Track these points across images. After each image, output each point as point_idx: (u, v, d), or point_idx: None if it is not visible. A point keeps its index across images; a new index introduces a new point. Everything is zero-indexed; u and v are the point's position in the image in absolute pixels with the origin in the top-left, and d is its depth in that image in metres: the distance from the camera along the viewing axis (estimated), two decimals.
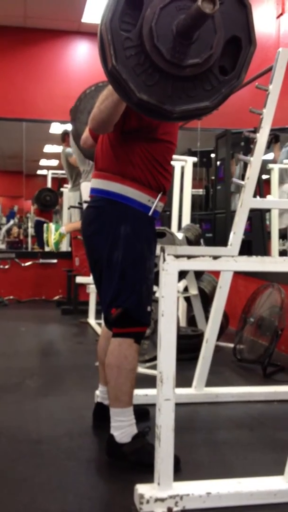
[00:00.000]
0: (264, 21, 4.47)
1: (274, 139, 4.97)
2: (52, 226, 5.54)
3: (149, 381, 2.62)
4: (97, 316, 4.86)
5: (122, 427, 2.08)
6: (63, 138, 6.27)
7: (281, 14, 4.16)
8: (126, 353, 2.06)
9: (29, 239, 8.23)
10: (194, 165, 4.55)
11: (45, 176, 8.36)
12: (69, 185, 6.32)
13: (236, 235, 2.66)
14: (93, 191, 2.18)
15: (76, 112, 2.83)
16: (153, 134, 2.05)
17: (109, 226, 2.08)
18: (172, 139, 2.15)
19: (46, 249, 7.36)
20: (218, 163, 5.62)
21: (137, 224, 2.08)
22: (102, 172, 2.14)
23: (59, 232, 5.44)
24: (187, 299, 4.22)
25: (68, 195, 6.43)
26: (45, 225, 5.96)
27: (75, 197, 5.93)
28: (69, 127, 5.30)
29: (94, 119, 1.96)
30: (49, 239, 5.69)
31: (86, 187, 5.16)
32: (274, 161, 4.98)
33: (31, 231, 8.28)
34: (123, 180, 2.07)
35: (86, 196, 5.09)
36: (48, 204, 7.70)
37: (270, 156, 5.31)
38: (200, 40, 1.50)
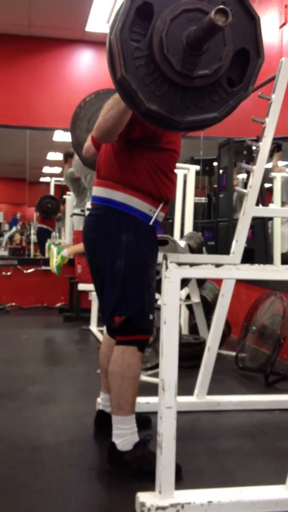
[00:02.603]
0: (267, 31, 4.49)
1: (276, 148, 4.99)
2: (54, 248, 5.51)
3: (151, 389, 2.62)
4: (99, 324, 4.86)
5: (124, 435, 2.08)
6: (66, 159, 6.22)
7: (284, 24, 4.18)
8: (130, 361, 2.06)
9: (32, 246, 8.23)
10: (197, 173, 4.56)
11: (48, 184, 8.38)
12: (74, 202, 6.25)
13: (239, 243, 2.66)
14: (95, 199, 2.19)
15: (76, 119, 2.85)
16: (157, 144, 2.07)
17: (110, 235, 2.09)
18: (176, 148, 2.16)
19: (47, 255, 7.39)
20: (221, 171, 5.63)
21: (138, 233, 2.09)
22: (104, 181, 2.14)
23: (61, 255, 5.43)
24: (189, 307, 4.22)
25: (70, 202, 6.42)
26: (47, 244, 5.93)
27: (79, 220, 5.77)
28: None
29: (99, 128, 1.97)
30: (51, 262, 5.67)
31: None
32: (272, 170, 4.99)
33: (33, 238, 8.29)
34: (125, 189, 2.08)
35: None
36: (50, 211, 7.71)
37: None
38: (210, 52, 1.51)
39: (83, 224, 2.32)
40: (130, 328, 2.07)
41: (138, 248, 2.08)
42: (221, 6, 1.37)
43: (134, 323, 2.07)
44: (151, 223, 2.11)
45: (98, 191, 2.17)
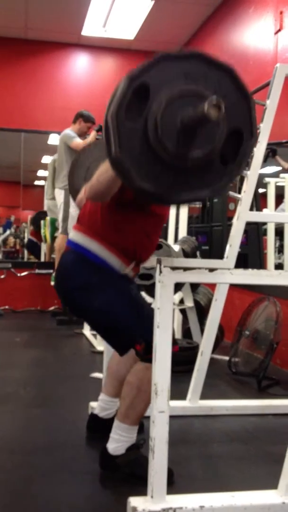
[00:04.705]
0: (262, 36, 4.51)
1: (272, 153, 4.99)
2: (48, 219, 5.68)
3: None
4: None
5: (121, 441, 2.08)
6: (76, 119, 5.35)
7: (279, 30, 4.20)
8: (151, 377, 2.05)
9: (25, 250, 8.22)
10: None
11: (42, 187, 8.36)
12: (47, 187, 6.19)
13: (232, 248, 2.67)
14: (71, 243, 2.20)
15: (75, 165, 2.89)
16: (147, 207, 2.08)
17: (82, 281, 2.10)
18: (165, 211, 2.19)
19: (43, 248, 7.39)
20: None
21: (108, 275, 2.11)
22: (84, 227, 2.15)
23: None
24: (183, 311, 4.22)
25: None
26: (42, 222, 6.09)
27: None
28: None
29: (92, 189, 1.97)
30: (46, 234, 5.77)
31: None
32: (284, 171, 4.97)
33: (27, 241, 8.29)
34: (102, 241, 2.09)
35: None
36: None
37: (267, 170, 5.34)
38: (204, 133, 1.52)
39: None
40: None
41: (110, 283, 2.10)
42: (215, 101, 1.40)
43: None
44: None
45: (76, 235, 2.18)
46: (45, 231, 6.10)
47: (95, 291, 2.08)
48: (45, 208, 6.75)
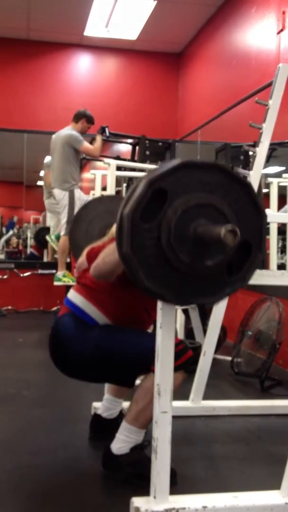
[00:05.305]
0: (265, 37, 4.50)
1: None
2: (52, 236, 5.72)
3: None
4: None
5: (126, 442, 2.08)
6: (78, 119, 5.24)
7: (281, 30, 4.19)
8: None
9: (28, 250, 8.22)
10: None
11: None
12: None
13: None
14: (69, 303, 2.20)
15: (78, 219, 2.90)
16: None
17: (80, 340, 2.10)
18: None
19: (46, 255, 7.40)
20: None
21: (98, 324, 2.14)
22: (84, 292, 2.16)
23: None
24: (186, 312, 4.22)
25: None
26: (47, 237, 6.17)
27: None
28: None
29: (97, 269, 1.98)
30: (55, 247, 5.83)
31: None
32: None
33: (30, 241, 8.28)
34: (101, 309, 2.12)
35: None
36: (45, 242, 7.67)
37: (269, 170, 5.33)
38: (215, 245, 1.54)
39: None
40: None
41: (104, 330, 2.11)
42: (231, 228, 1.43)
43: None
44: None
45: (75, 297, 2.19)
46: (54, 245, 6.19)
47: (93, 343, 2.08)
48: (46, 208, 6.80)
